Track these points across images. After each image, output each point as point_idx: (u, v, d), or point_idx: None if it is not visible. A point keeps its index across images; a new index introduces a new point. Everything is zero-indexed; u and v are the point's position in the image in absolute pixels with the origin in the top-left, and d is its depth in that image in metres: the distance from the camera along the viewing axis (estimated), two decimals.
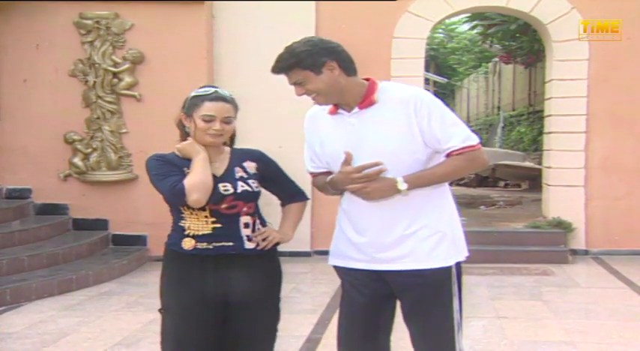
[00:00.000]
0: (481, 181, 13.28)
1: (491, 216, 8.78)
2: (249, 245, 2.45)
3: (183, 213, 2.43)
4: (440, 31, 24.48)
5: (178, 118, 2.51)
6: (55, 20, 6.93)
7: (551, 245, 7.07)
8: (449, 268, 2.37)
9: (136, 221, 6.92)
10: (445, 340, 2.39)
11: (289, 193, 2.65)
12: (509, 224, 7.92)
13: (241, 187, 2.43)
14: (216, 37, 7.15)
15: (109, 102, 6.91)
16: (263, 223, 2.54)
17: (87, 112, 6.96)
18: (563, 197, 7.29)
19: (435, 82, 24.29)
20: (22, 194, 7.03)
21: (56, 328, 4.66)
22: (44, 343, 4.32)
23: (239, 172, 2.47)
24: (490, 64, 23.03)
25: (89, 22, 6.86)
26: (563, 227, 7.10)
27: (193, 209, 2.39)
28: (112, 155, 6.95)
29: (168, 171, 2.40)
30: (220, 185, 2.40)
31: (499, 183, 13.23)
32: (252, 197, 2.47)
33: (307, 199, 2.69)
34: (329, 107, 2.42)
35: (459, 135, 2.30)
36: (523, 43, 13.18)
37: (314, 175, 2.56)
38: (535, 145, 14.87)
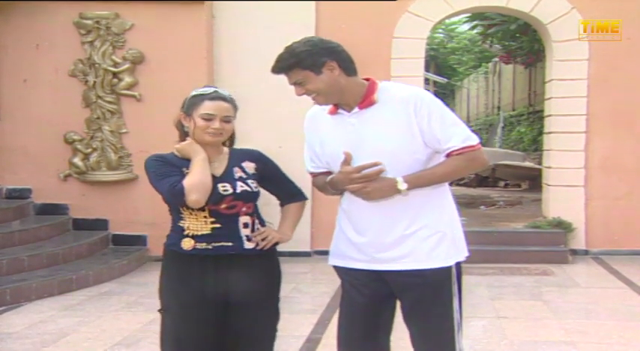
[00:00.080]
0: (481, 181, 13.28)
1: (491, 216, 8.78)
2: (248, 245, 2.45)
3: (182, 213, 2.43)
4: (440, 31, 24.48)
5: (177, 118, 2.52)
6: (55, 20, 6.93)
7: (551, 245, 7.07)
8: (449, 268, 2.37)
9: (136, 221, 6.92)
10: (445, 340, 2.39)
11: (288, 193, 2.65)
12: (509, 224, 7.92)
13: (240, 187, 2.43)
14: (216, 37, 7.15)
15: (109, 102, 6.91)
16: (262, 223, 2.54)
17: (87, 112, 6.96)
18: (563, 197, 7.29)
19: (435, 82, 24.29)
20: (22, 194, 7.03)
21: (56, 328, 4.66)
22: (44, 343, 4.32)
23: (238, 173, 2.48)
24: (490, 64, 23.04)
25: (89, 22, 6.86)
26: (563, 227, 7.10)
27: (193, 209, 2.39)
28: (112, 155, 6.95)
29: (167, 171, 2.40)
30: (219, 185, 2.40)
31: (499, 183, 13.23)
32: (251, 197, 2.47)
33: (306, 199, 2.69)
34: (329, 107, 2.42)
35: (459, 135, 2.30)
36: (523, 43, 13.18)
37: (314, 175, 2.56)
38: (535, 145, 14.87)
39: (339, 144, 2.36)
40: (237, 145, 2.60)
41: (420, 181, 2.30)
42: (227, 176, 2.45)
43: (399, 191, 2.28)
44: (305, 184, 2.70)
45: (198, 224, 2.41)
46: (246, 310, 2.45)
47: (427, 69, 16.39)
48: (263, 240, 2.48)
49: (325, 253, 2.65)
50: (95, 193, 7.05)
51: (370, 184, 2.28)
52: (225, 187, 2.41)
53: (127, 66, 6.88)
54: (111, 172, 6.98)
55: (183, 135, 2.50)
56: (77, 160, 6.97)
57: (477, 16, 12.59)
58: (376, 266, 2.39)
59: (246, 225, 2.45)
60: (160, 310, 2.51)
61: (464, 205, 9.48)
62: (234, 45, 7.15)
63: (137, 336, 4.43)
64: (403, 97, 2.32)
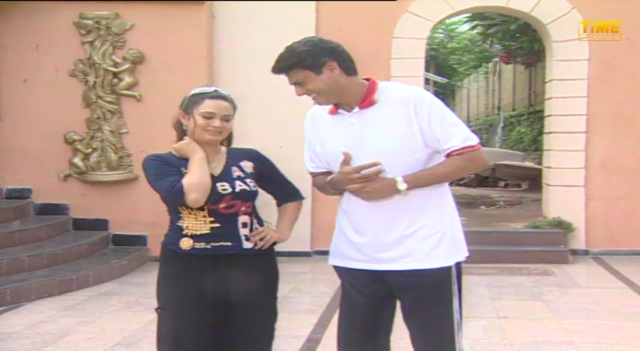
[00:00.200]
0: (481, 181, 13.29)
1: (491, 216, 8.78)
2: (247, 245, 2.45)
3: (181, 213, 2.43)
4: (440, 31, 24.48)
5: (176, 117, 2.52)
6: (55, 20, 6.93)
7: (551, 245, 7.07)
8: (449, 268, 2.37)
9: (136, 221, 6.91)
10: (445, 340, 2.38)
11: (285, 192, 2.65)
12: (509, 224, 7.92)
13: (239, 186, 2.43)
14: (216, 37, 7.15)
15: (109, 102, 6.91)
16: (260, 223, 2.54)
17: (87, 112, 6.96)
18: (563, 197, 7.29)
19: (435, 82, 24.29)
20: (22, 194, 7.03)
21: (56, 328, 4.66)
22: (44, 343, 4.32)
23: (236, 172, 2.48)
24: (490, 64, 23.04)
25: (89, 22, 6.86)
26: (563, 227, 7.10)
27: (192, 209, 2.39)
28: (112, 155, 6.95)
29: (166, 171, 2.40)
30: (218, 184, 2.40)
31: (499, 183, 13.24)
32: (250, 196, 2.47)
33: (303, 198, 2.69)
34: (329, 107, 2.42)
35: (459, 135, 2.30)
36: (523, 43, 13.19)
37: (314, 175, 2.56)
38: (535, 145, 14.88)
39: (339, 144, 2.36)
40: (237, 145, 2.60)
41: (419, 181, 2.30)
42: (225, 175, 2.45)
43: (398, 191, 2.28)
44: (305, 184, 2.70)
45: (197, 224, 2.41)
46: (244, 309, 2.45)
47: (427, 69, 16.38)
48: (261, 239, 2.48)
49: (325, 253, 2.65)
50: (95, 193, 7.05)
51: (370, 184, 2.28)
52: (224, 187, 2.41)
53: (127, 66, 6.88)
54: (111, 172, 6.98)
55: (181, 134, 2.50)
56: (77, 160, 6.97)
57: (477, 16, 12.60)
58: (376, 266, 2.39)
59: (245, 224, 2.45)
60: (156, 309, 2.51)
61: (464, 205, 9.48)
62: (234, 45, 7.15)
63: (137, 336, 4.43)
64: (403, 97, 2.32)
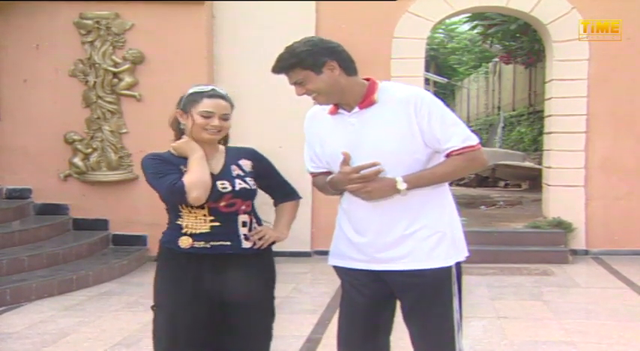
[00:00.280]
0: (481, 181, 13.29)
1: (491, 216, 8.78)
2: (246, 244, 2.45)
3: (180, 211, 2.43)
4: (440, 31, 24.49)
5: (173, 116, 2.52)
6: (55, 20, 6.93)
7: (551, 245, 7.06)
8: (449, 268, 2.37)
9: (136, 221, 6.91)
10: (445, 340, 2.38)
11: (283, 191, 2.65)
12: (509, 224, 7.91)
13: (239, 184, 2.44)
14: (216, 37, 7.15)
15: (109, 102, 6.91)
16: (259, 222, 2.54)
17: (87, 112, 6.96)
18: (563, 197, 7.29)
19: (435, 82, 24.28)
20: (22, 194, 7.03)
21: (56, 328, 4.66)
22: (44, 343, 4.32)
23: (235, 170, 2.48)
24: (490, 64, 23.03)
25: (89, 22, 6.86)
26: (563, 227, 7.10)
27: (192, 207, 2.39)
28: (112, 155, 6.95)
29: (165, 169, 2.40)
30: (218, 183, 2.40)
31: (499, 183, 13.23)
32: (249, 195, 2.47)
33: (300, 198, 2.69)
34: (329, 107, 2.42)
35: (458, 135, 2.30)
36: (523, 43, 13.18)
37: (314, 175, 2.56)
38: (535, 145, 14.87)
39: (339, 144, 2.36)
40: (237, 145, 2.60)
41: (419, 181, 2.30)
42: (225, 174, 2.45)
43: (398, 191, 2.28)
44: (305, 184, 2.70)
45: (197, 222, 2.41)
46: (242, 309, 2.45)
47: (427, 69, 16.38)
48: (260, 239, 2.48)
49: (325, 253, 2.65)
50: (95, 193, 7.05)
51: (370, 184, 2.28)
52: (224, 185, 2.41)
53: (127, 66, 6.88)
54: (111, 172, 6.98)
55: (179, 134, 2.50)
56: (77, 160, 6.97)
57: (477, 16, 12.59)
58: (376, 266, 2.39)
59: (244, 224, 2.46)
60: (152, 307, 2.50)
61: (464, 205, 9.47)
62: (234, 45, 7.15)
63: (137, 336, 4.43)
64: (403, 97, 2.32)
